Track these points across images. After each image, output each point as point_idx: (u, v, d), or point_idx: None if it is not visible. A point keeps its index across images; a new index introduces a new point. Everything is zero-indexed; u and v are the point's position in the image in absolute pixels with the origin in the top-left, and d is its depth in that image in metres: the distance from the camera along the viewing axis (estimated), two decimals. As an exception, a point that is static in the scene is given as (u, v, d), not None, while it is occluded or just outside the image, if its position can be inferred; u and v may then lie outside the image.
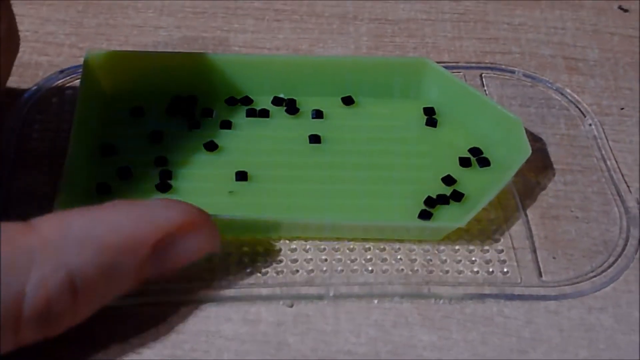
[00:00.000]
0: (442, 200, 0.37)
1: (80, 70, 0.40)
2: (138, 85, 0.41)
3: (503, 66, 0.45)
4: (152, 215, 0.30)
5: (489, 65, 0.45)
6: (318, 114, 0.41)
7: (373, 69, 0.41)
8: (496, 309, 0.34)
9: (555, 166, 0.40)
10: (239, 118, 0.40)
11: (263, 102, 0.41)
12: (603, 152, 0.41)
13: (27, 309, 0.27)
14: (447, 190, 0.38)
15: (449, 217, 0.36)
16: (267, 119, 0.41)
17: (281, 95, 0.41)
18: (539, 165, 0.40)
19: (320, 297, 0.34)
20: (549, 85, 0.44)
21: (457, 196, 0.37)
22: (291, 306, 0.34)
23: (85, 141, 0.38)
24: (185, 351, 0.32)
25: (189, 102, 0.41)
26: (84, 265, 0.28)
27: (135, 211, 0.30)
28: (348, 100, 0.41)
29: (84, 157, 0.38)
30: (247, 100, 0.41)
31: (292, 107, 0.41)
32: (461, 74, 0.44)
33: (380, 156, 0.39)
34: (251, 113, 0.41)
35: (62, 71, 0.43)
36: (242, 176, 0.38)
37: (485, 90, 0.43)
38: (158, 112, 0.41)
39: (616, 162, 0.40)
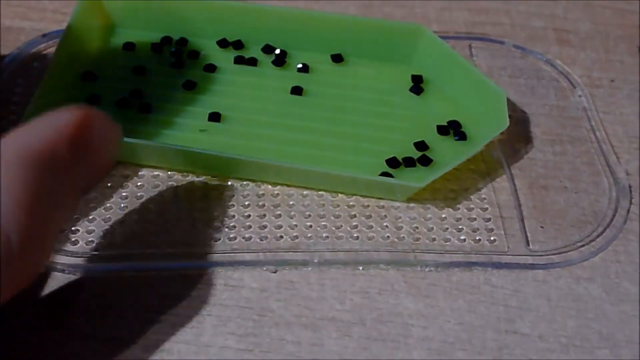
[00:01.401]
0: (408, 162, 0.37)
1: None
2: (132, 23, 0.42)
3: (493, 37, 0.44)
4: (55, 119, 0.29)
5: (478, 36, 0.44)
6: (304, 68, 0.41)
7: (367, 30, 0.41)
8: (483, 277, 0.34)
9: (544, 137, 0.40)
10: (226, 63, 0.41)
11: (254, 50, 0.42)
12: (593, 123, 0.40)
13: None
14: (417, 155, 0.37)
15: (414, 180, 0.36)
16: (254, 67, 0.41)
17: (273, 46, 0.42)
18: (528, 135, 0.39)
19: (304, 264, 0.34)
20: (539, 56, 0.43)
21: (425, 161, 0.37)
22: (275, 272, 0.33)
23: (68, 65, 0.39)
24: (168, 315, 0.32)
25: (178, 42, 0.42)
26: (12, 184, 0.26)
27: (37, 122, 0.28)
28: (337, 58, 0.41)
29: (62, 78, 0.38)
30: (238, 45, 0.42)
31: (279, 59, 0.41)
32: (450, 44, 0.43)
33: (358, 114, 0.39)
34: (239, 60, 0.41)
35: (44, 35, 0.42)
36: (214, 117, 0.38)
37: (474, 61, 0.43)
38: (147, 49, 0.41)
39: (606, 133, 0.40)
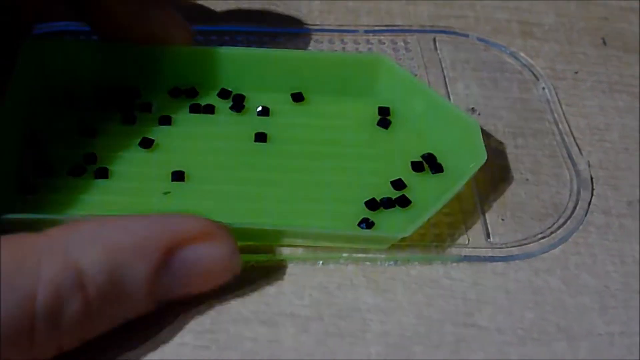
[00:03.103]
0: (387, 204, 0.35)
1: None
2: (75, 75, 0.39)
3: (457, 30, 0.44)
4: (165, 222, 0.28)
5: (442, 29, 0.44)
6: (264, 111, 0.39)
7: (326, 65, 0.39)
8: (442, 271, 0.34)
9: (506, 129, 0.40)
10: (181, 113, 0.38)
11: (209, 95, 0.39)
12: (556, 115, 0.40)
13: (39, 310, 0.26)
14: (395, 195, 0.36)
15: (394, 226, 0.35)
16: (211, 115, 0.38)
17: (230, 90, 0.39)
18: (490, 128, 0.39)
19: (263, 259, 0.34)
20: (503, 49, 0.44)
21: (404, 202, 0.35)
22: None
23: (10, 133, 0.35)
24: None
25: (127, 94, 0.39)
26: (93, 264, 0.27)
27: (146, 218, 0.29)
28: (298, 97, 0.39)
29: (6, 151, 0.35)
30: (192, 93, 0.39)
31: (237, 104, 0.39)
32: (414, 37, 0.43)
33: (328, 159, 0.37)
34: (195, 109, 0.38)
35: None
36: (178, 176, 0.36)
37: (438, 54, 0.43)
38: (93, 105, 0.38)
39: (568, 125, 0.40)
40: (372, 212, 0.35)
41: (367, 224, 0.35)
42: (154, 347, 0.31)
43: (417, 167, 0.37)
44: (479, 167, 0.35)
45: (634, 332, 0.32)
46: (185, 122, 0.38)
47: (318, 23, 0.44)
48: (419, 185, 0.36)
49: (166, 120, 0.38)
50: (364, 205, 0.35)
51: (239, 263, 0.30)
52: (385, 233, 0.34)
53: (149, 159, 0.36)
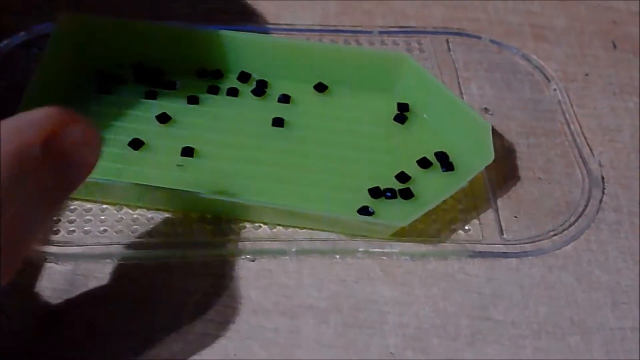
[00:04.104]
0: (390, 194, 0.36)
1: (49, 30, 0.40)
2: (108, 50, 0.40)
3: (470, 32, 0.45)
4: (27, 119, 0.27)
5: (455, 31, 0.45)
6: (285, 98, 0.40)
7: (350, 59, 0.40)
8: (458, 265, 0.35)
9: (519, 129, 0.40)
10: (205, 94, 0.40)
11: (234, 80, 0.40)
12: (567, 116, 0.41)
13: None
14: (399, 187, 0.36)
15: (394, 216, 0.35)
16: (234, 98, 0.40)
17: (254, 75, 0.40)
18: (503, 128, 0.40)
19: (282, 253, 0.34)
20: (515, 51, 0.44)
21: (407, 194, 0.36)
22: (253, 261, 0.34)
23: (40, 97, 0.37)
24: (148, 303, 0.32)
25: (154, 71, 0.40)
26: None
27: (10, 121, 0.27)
28: (320, 88, 0.40)
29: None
30: (217, 74, 0.41)
31: (259, 88, 0.40)
32: (428, 39, 0.44)
33: (340, 147, 0.38)
34: (217, 90, 0.40)
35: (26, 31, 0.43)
36: (188, 152, 0.37)
37: (451, 55, 0.43)
38: (122, 79, 0.40)
39: (580, 126, 0.41)
40: (374, 200, 0.36)
41: (366, 212, 0.35)
42: (176, 337, 0.31)
43: (425, 164, 0.37)
44: (484, 166, 0.36)
45: (645, 327, 0.33)
46: (207, 103, 0.39)
47: (334, 24, 0.45)
48: (427, 181, 0.37)
49: (189, 100, 0.39)
50: (367, 194, 0.36)
51: (97, 139, 0.29)
52: (382, 220, 0.35)
53: (167, 132, 0.38)
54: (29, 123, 0.27)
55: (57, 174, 0.27)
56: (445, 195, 0.35)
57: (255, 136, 0.38)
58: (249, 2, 0.46)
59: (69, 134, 0.27)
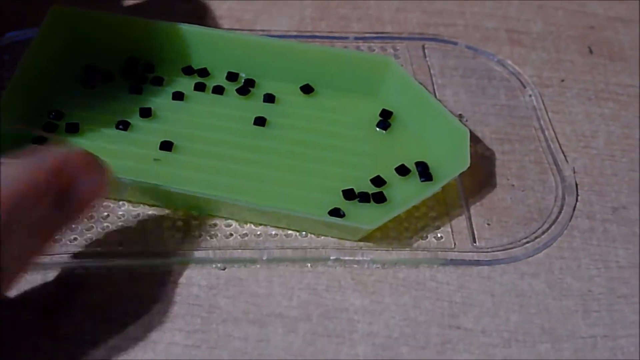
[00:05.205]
0: (362, 198, 0.36)
1: (21, 37, 0.41)
2: (95, 45, 0.41)
3: (446, 38, 0.45)
4: (40, 160, 0.29)
5: (431, 36, 0.45)
6: (270, 98, 0.40)
7: (336, 61, 0.40)
8: (429, 273, 0.35)
9: (493, 136, 0.40)
10: (190, 91, 0.40)
11: (220, 79, 0.41)
12: (542, 122, 0.41)
13: None
14: (373, 191, 0.36)
15: (366, 219, 0.35)
16: (219, 96, 0.40)
17: (242, 75, 0.41)
18: (478, 135, 0.40)
19: (253, 261, 0.34)
20: (491, 57, 0.44)
21: (379, 198, 0.36)
22: (223, 269, 0.34)
23: (23, 87, 0.38)
24: (115, 313, 0.32)
25: (142, 67, 0.41)
26: None
27: (22, 162, 0.29)
28: (307, 89, 0.41)
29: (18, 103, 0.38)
30: (203, 73, 0.41)
31: (244, 87, 0.40)
32: (403, 45, 0.44)
33: (320, 149, 0.38)
34: (202, 88, 0.40)
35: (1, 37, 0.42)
36: (166, 146, 0.37)
37: (427, 61, 0.43)
38: (109, 74, 0.41)
39: (554, 132, 0.41)
40: (347, 202, 0.36)
41: (337, 214, 0.35)
42: (145, 346, 0.31)
43: (401, 171, 0.37)
44: (459, 173, 0.36)
45: (617, 335, 0.33)
46: (192, 100, 0.40)
47: (309, 29, 0.45)
48: (403, 188, 0.37)
49: (178, 96, 0.40)
50: (340, 196, 0.36)
51: (106, 177, 0.31)
52: (349, 222, 0.35)
53: (148, 127, 0.38)
54: (34, 166, 0.28)
55: (63, 214, 0.29)
56: (417, 200, 0.35)
57: (236, 134, 0.38)
58: (224, 6, 0.45)
59: (85, 182, 0.29)
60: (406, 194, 0.36)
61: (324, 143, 0.38)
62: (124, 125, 0.38)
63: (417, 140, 0.39)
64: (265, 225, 0.36)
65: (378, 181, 0.37)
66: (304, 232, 0.35)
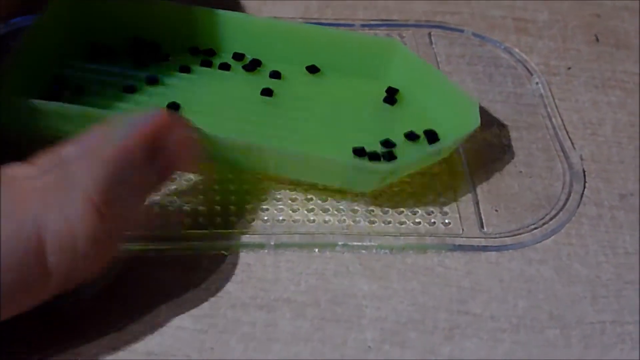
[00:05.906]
0: (373, 157, 0.36)
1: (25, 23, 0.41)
2: (103, 24, 0.41)
3: (452, 26, 0.45)
4: (132, 122, 0.30)
5: (437, 24, 0.45)
6: (276, 74, 0.40)
7: (343, 43, 0.40)
8: (437, 259, 0.35)
9: (500, 123, 0.40)
10: (197, 67, 0.40)
11: (228, 58, 0.41)
12: (549, 109, 0.41)
13: (50, 240, 0.27)
14: (382, 151, 0.37)
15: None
16: (223, 71, 0.40)
17: (248, 56, 0.41)
18: (485, 121, 0.40)
19: (261, 246, 0.34)
20: (498, 45, 0.44)
21: (390, 157, 0.36)
22: (231, 254, 0.34)
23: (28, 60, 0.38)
24: (123, 297, 0.32)
25: (149, 46, 0.41)
26: (95, 182, 0.27)
27: (116, 124, 0.30)
28: (312, 69, 0.41)
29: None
30: (210, 53, 0.41)
31: (251, 65, 0.40)
32: (410, 32, 0.44)
33: (327, 118, 0.38)
34: (208, 64, 0.40)
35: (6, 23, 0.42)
36: (173, 107, 0.38)
37: (433, 48, 0.43)
38: (116, 52, 0.41)
39: (561, 119, 0.40)
40: (358, 157, 0.36)
41: (362, 153, 0.36)
42: (153, 331, 0.31)
43: (410, 137, 0.37)
44: (471, 131, 0.36)
45: (625, 321, 0.33)
46: (197, 72, 0.40)
47: (316, 17, 0.44)
48: (411, 152, 0.37)
49: (185, 70, 0.40)
50: (351, 154, 0.36)
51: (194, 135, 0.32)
52: (372, 164, 0.35)
53: (155, 92, 0.39)
54: (133, 128, 0.29)
55: (156, 172, 0.30)
56: (425, 159, 0.35)
57: (243, 105, 0.38)
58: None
59: (174, 138, 0.30)
60: (415, 157, 0.36)
61: (331, 114, 0.39)
62: (131, 90, 0.38)
63: (425, 113, 0.39)
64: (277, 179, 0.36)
65: (387, 143, 0.37)
66: (311, 218, 0.35)
